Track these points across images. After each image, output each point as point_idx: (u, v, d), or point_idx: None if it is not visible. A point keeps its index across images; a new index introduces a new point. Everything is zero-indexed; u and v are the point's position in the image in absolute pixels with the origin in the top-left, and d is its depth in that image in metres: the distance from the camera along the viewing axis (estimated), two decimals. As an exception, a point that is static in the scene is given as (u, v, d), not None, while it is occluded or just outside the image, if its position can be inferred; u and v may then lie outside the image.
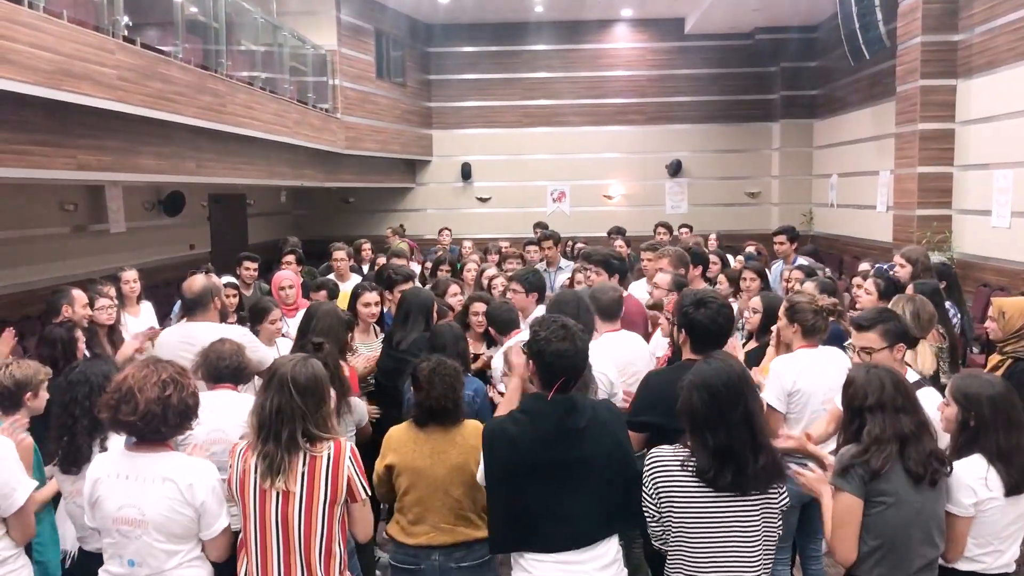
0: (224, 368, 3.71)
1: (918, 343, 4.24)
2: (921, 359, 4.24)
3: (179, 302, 5.63)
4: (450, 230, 11.98)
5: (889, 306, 4.26)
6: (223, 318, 5.05)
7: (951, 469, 2.80)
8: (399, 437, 3.35)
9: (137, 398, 2.76)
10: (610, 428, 2.92)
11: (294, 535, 2.84)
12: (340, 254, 7.69)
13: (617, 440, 2.93)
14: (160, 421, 2.79)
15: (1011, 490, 2.83)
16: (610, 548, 2.86)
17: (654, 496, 2.81)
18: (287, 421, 2.82)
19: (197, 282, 4.64)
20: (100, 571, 2.89)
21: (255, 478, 2.84)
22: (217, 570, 2.98)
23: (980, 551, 2.88)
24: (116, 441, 3.04)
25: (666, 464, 2.81)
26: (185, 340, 4.31)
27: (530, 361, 2.93)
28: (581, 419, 2.84)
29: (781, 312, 4.06)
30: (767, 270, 6.66)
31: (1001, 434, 2.83)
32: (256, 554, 2.87)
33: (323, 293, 6.17)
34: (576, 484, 2.80)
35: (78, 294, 5.09)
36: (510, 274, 5.89)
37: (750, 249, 8.79)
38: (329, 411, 2.95)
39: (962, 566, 2.90)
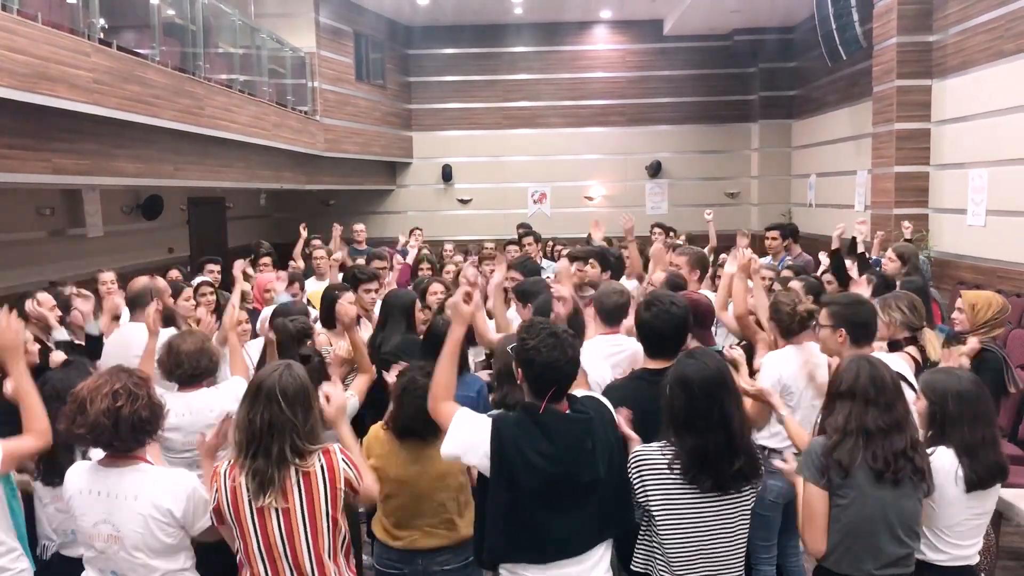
0: (203, 371, 3.64)
1: (922, 332, 4.29)
2: (930, 346, 4.28)
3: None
4: (364, 229, 10.76)
5: (881, 303, 4.25)
6: (171, 322, 4.89)
7: (924, 474, 2.75)
8: (381, 443, 3.30)
9: (88, 410, 2.63)
10: (610, 439, 2.78)
11: (302, 549, 2.71)
12: (321, 252, 7.67)
13: (615, 454, 2.79)
14: (111, 435, 2.65)
15: (972, 485, 2.83)
16: (603, 553, 2.78)
17: (639, 490, 2.79)
18: (278, 435, 2.65)
19: (138, 283, 4.55)
20: None
21: (248, 497, 2.67)
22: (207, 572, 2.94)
23: (936, 541, 2.89)
24: (95, 451, 2.93)
25: (653, 464, 2.79)
26: (120, 345, 4.15)
27: (518, 369, 2.76)
28: (591, 438, 2.70)
29: (768, 308, 4.11)
30: None
31: (966, 429, 2.85)
32: (265, 572, 2.73)
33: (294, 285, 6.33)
34: (580, 501, 2.69)
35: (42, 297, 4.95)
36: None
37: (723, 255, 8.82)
38: (317, 419, 2.80)
39: (918, 555, 2.88)
